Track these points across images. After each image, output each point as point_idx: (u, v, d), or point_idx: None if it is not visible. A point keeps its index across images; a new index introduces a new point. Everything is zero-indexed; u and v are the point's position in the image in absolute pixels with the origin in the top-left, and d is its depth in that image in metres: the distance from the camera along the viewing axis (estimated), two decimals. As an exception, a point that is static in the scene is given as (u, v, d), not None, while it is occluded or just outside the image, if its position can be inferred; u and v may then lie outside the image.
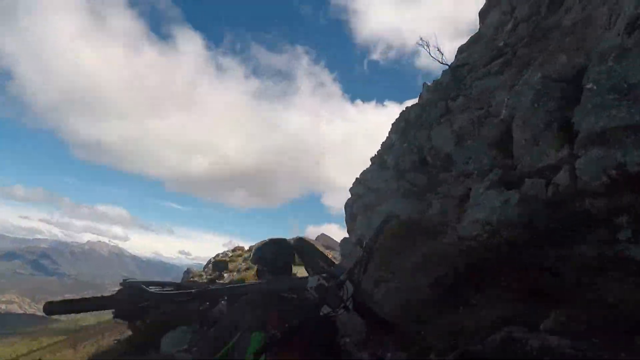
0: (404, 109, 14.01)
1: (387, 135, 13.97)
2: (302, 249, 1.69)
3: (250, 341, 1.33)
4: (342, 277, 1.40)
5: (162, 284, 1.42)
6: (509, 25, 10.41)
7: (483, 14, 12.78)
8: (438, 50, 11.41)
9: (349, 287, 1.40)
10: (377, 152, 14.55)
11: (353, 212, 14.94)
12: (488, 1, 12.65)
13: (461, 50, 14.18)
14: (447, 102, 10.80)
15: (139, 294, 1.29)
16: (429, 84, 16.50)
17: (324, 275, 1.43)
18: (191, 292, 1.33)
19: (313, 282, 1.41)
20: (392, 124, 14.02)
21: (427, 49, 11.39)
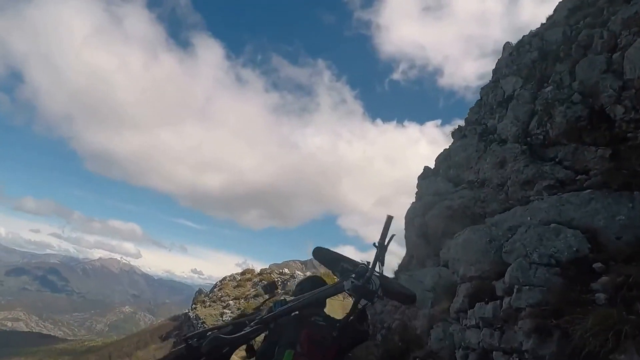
0: (523, 38, 9.03)
1: (488, 84, 9.17)
2: (323, 256, 2.00)
3: (284, 357, 1.64)
4: (367, 274, 1.69)
5: (218, 327, 1.89)
6: None
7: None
8: None
9: (376, 280, 1.71)
10: (465, 119, 10.32)
11: (425, 224, 8.74)
12: None
13: None
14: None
15: (220, 344, 1.69)
16: (512, 43, 12.75)
17: (353, 275, 1.71)
18: (259, 323, 1.77)
19: (348, 285, 1.72)
20: (499, 60, 9.50)
21: None
